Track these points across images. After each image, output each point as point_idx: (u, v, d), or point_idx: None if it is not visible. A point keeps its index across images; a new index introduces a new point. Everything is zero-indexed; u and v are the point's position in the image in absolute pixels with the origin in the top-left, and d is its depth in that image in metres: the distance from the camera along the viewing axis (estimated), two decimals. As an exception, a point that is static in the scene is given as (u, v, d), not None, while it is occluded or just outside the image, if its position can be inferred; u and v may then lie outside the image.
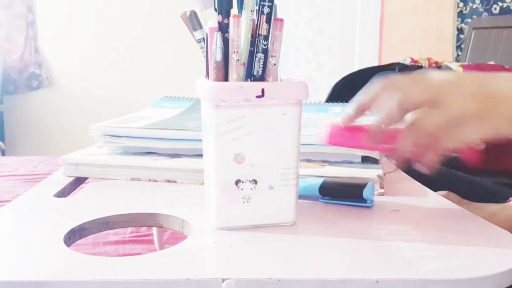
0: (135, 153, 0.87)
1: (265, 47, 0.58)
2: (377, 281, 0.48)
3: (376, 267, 0.51)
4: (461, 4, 3.05)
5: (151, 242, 1.33)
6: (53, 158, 2.27)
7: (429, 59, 2.52)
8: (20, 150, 3.82)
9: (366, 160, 0.82)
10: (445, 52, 3.06)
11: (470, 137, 0.62)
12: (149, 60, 3.83)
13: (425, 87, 0.63)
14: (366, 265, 0.52)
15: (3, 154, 3.54)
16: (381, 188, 0.75)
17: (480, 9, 2.98)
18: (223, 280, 0.48)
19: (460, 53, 3.00)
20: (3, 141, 3.65)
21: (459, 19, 3.07)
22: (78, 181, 0.85)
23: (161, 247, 1.16)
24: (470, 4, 3.02)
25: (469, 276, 0.49)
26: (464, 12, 3.04)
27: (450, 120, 0.61)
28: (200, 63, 0.85)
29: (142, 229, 1.40)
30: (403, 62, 2.30)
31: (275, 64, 0.59)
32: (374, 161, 0.82)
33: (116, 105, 3.57)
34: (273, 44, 0.59)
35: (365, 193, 0.68)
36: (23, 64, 3.76)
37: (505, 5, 2.89)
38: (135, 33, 3.82)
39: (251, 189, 0.60)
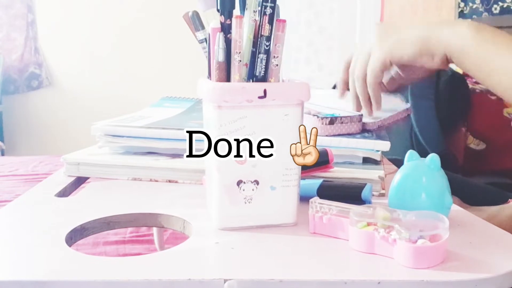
0: (136, 153, 0.87)
1: (267, 48, 0.58)
2: (379, 282, 0.48)
3: (378, 268, 0.51)
4: (462, 4, 3.05)
5: (151, 242, 1.33)
6: (53, 158, 2.26)
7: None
8: (20, 150, 3.82)
9: (367, 161, 0.82)
10: (445, 52, 3.05)
11: (373, 63, 0.84)
12: (150, 60, 3.83)
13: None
14: (367, 267, 0.52)
15: (3, 154, 3.54)
16: (382, 189, 0.75)
17: (480, 9, 2.98)
18: (225, 280, 0.48)
19: (460, 53, 3.00)
20: (3, 141, 3.65)
21: (460, 19, 3.07)
22: (79, 181, 0.85)
23: (161, 247, 1.16)
24: (470, 4, 3.02)
25: (470, 278, 0.49)
26: (464, 12, 3.04)
27: (359, 56, 0.87)
28: (201, 64, 0.85)
29: (142, 229, 1.40)
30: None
31: (277, 65, 0.59)
32: (375, 162, 0.82)
33: (116, 105, 3.56)
34: (276, 45, 0.59)
35: (364, 195, 0.68)
36: (23, 64, 3.76)
37: (505, 5, 2.89)
38: (135, 33, 3.82)
39: (253, 189, 0.60)
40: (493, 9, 2.94)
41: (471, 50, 0.77)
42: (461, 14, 3.05)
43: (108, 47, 3.84)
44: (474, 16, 2.99)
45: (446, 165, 0.63)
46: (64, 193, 0.79)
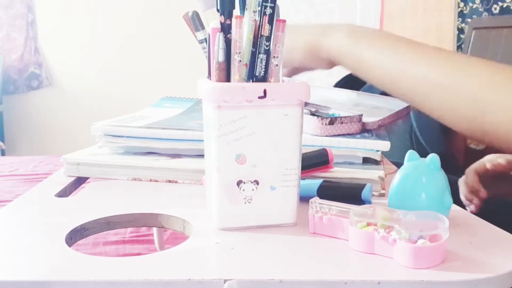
0: (136, 153, 0.87)
1: (267, 48, 0.58)
2: (379, 283, 0.48)
3: (378, 268, 0.51)
4: (461, 4, 3.05)
5: (151, 242, 1.33)
6: (53, 158, 2.27)
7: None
8: (20, 150, 3.82)
9: (367, 161, 0.82)
10: (445, 52, 3.05)
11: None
12: (150, 61, 3.83)
13: None
14: (368, 267, 0.52)
15: (3, 154, 3.54)
16: (382, 189, 0.75)
17: (480, 9, 2.98)
18: (225, 281, 0.49)
19: (460, 53, 3.00)
20: (3, 141, 3.64)
21: (459, 19, 3.07)
22: (79, 181, 0.85)
23: (161, 247, 1.16)
24: (470, 4, 3.02)
25: (470, 278, 0.49)
26: (464, 12, 3.04)
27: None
28: (200, 64, 0.85)
29: (142, 229, 1.40)
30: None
31: (277, 65, 0.59)
32: (375, 162, 0.82)
33: (116, 105, 3.56)
34: (275, 45, 0.59)
35: (364, 195, 0.68)
36: (23, 64, 3.76)
37: (505, 5, 2.89)
38: (135, 33, 3.82)
39: (253, 189, 0.60)
40: (493, 9, 2.94)
41: (346, 50, 0.81)
42: (461, 14, 3.05)
43: (108, 47, 3.84)
44: (474, 16, 2.99)
45: (446, 165, 0.63)
46: (64, 193, 0.79)
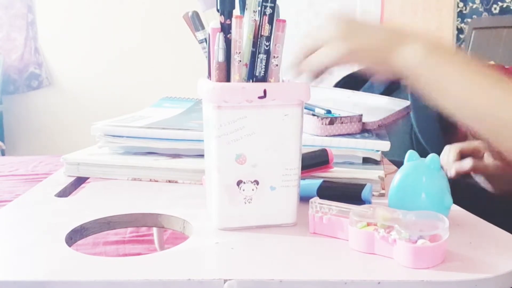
0: (136, 153, 0.87)
1: (267, 48, 0.58)
2: (379, 283, 0.48)
3: (378, 268, 0.51)
4: (461, 4, 3.05)
5: (151, 242, 1.33)
6: (53, 158, 2.26)
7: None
8: (20, 150, 3.82)
9: (367, 161, 0.82)
10: (445, 52, 3.05)
11: (331, 57, 0.74)
12: (150, 60, 3.83)
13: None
14: (367, 267, 0.52)
15: (3, 154, 3.54)
16: (382, 189, 0.75)
17: (480, 9, 2.98)
18: (225, 281, 0.48)
19: (460, 53, 3.00)
20: (3, 141, 3.64)
21: (459, 19, 3.07)
22: (79, 181, 0.85)
23: (161, 247, 1.16)
24: (470, 4, 3.02)
25: (470, 278, 0.49)
26: (464, 12, 3.04)
27: (312, 43, 0.76)
28: (200, 64, 0.85)
29: (142, 229, 1.40)
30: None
31: (277, 65, 0.59)
32: (375, 162, 0.82)
33: (116, 105, 3.56)
34: (275, 45, 0.59)
35: (364, 195, 0.67)
36: (23, 64, 3.75)
37: (505, 5, 2.89)
38: (135, 33, 3.82)
39: (253, 189, 0.60)
40: (492, 9, 2.94)
41: (419, 70, 0.76)
42: (461, 14, 3.05)
43: (108, 47, 3.83)
44: (474, 16, 2.99)
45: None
46: (64, 193, 0.79)
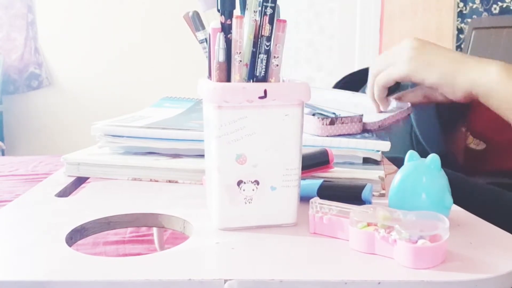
0: (136, 153, 0.87)
1: (267, 48, 0.58)
2: (379, 283, 0.48)
3: (378, 268, 0.51)
4: (461, 4, 3.05)
5: (151, 242, 1.33)
6: (53, 158, 2.27)
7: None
8: (20, 150, 3.82)
9: (367, 161, 0.82)
10: (445, 52, 3.05)
11: (393, 73, 0.86)
12: (149, 60, 3.83)
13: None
14: (368, 267, 0.52)
15: (3, 154, 3.54)
16: (383, 189, 0.75)
17: (480, 9, 2.98)
18: (225, 281, 0.48)
19: (460, 53, 3.00)
20: (3, 141, 3.65)
21: (459, 19, 3.07)
22: (79, 181, 0.85)
23: (161, 247, 1.16)
24: (470, 4, 3.02)
25: (470, 278, 0.49)
26: (464, 12, 3.04)
27: (377, 67, 0.90)
28: (201, 64, 0.85)
29: (142, 229, 1.40)
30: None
31: (277, 65, 0.59)
32: (375, 162, 0.82)
33: (116, 105, 3.57)
34: (276, 45, 0.59)
35: (364, 195, 0.67)
36: (23, 64, 3.76)
37: (505, 5, 2.89)
38: (135, 33, 3.82)
39: (253, 190, 0.60)
40: (492, 9, 2.94)
41: (499, 91, 0.77)
42: (461, 14, 3.06)
43: (108, 47, 3.84)
44: (474, 16, 2.99)
45: (446, 165, 0.63)
46: (64, 193, 0.79)
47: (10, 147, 3.79)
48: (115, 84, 3.84)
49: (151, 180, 0.82)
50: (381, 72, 0.89)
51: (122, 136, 0.86)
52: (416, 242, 0.51)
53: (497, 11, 2.92)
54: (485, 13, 2.96)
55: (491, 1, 2.93)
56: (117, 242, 1.35)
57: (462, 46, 2.93)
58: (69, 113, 3.85)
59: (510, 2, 2.85)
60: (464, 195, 1.00)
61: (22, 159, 2.32)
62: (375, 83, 0.91)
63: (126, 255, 1.26)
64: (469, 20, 2.98)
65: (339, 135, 0.85)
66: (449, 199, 0.60)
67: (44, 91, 3.84)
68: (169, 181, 0.81)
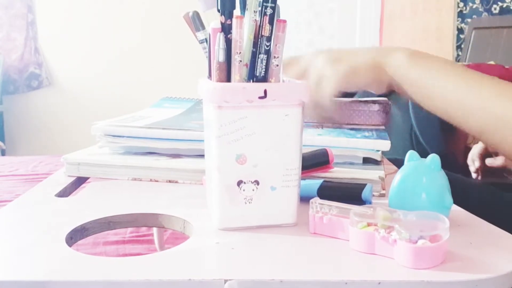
0: (136, 153, 0.87)
1: (267, 48, 0.58)
2: (379, 283, 0.48)
3: (378, 268, 0.51)
4: (461, 4, 3.05)
5: (151, 242, 1.33)
6: (53, 158, 2.27)
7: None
8: (20, 150, 3.82)
9: (367, 161, 0.82)
10: (445, 52, 3.06)
11: (328, 90, 0.80)
12: (150, 61, 3.83)
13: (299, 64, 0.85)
14: (368, 267, 0.52)
15: (3, 154, 3.54)
16: (383, 189, 0.75)
17: (480, 9, 2.98)
18: (226, 281, 0.49)
19: (460, 53, 3.01)
20: (3, 141, 3.65)
21: (459, 19, 3.07)
22: (79, 181, 0.85)
23: (161, 247, 1.16)
24: (470, 4, 3.02)
25: (471, 278, 0.49)
26: (464, 12, 3.04)
27: (312, 82, 0.81)
28: (200, 64, 0.85)
29: (142, 229, 1.40)
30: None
31: (277, 65, 0.59)
32: (376, 162, 0.82)
33: (116, 105, 3.57)
34: (276, 45, 0.59)
35: (364, 195, 0.67)
36: (23, 64, 3.76)
37: (505, 5, 2.89)
38: (135, 33, 3.82)
39: (253, 190, 0.60)
40: (492, 9, 2.94)
41: (406, 76, 0.79)
42: (461, 14, 3.06)
43: (108, 47, 3.84)
44: (474, 16, 2.99)
45: (446, 165, 0.63)
46: (64, 193, 0.79)
47: (10, 147, 3.79)
48: (115, 84, 3.84)
49: (151, 180, 0.82)
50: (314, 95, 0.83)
51: (122, 136, 0.86)
52: (416, 242, 0.51)
53: (497, 11, 2.93)
54: (485, 13, 2.96)
55: (491, 1, 2.93)
56: (117, 242, 1.35)
57: (462, 46, 2.93)
58: (69, 113, 3.85)
59: (510, 2, 2.86)
60: (463, 195, 1.00)
61: (22, 159, 2.32)
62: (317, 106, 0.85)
63: (126, 255, 1.26)
64: (469, 20, 2.98)
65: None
66: (449, 199, 0.60)
67: (44, 91, 3.84)
68: (169, 181, 0.81)
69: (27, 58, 3.76)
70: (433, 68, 0.78)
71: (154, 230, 1.18)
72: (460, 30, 3.06)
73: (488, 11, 2.95)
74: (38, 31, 3.80)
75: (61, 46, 3.81)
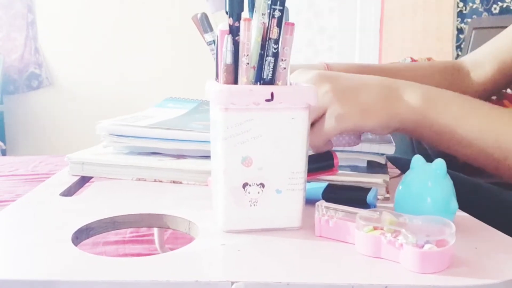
0: (140, 153, 0.87)
1: (275, 51, 0.58)
2: (386, 287, 0.48)
3: (385, 272, 0.51)
4: (461, 4, 3.06)
5: (151, 242, 1.33)
6: (53, 158, 2.26)
7: (429, 59, 2.52)
8: (20, 150, 3.82)
9: (371, 165, 0.82)
10: (445, 52, 3.07)
11: (330, 131, 0.71)
12: (149, 61, 3.83)
13: None
14: (374, 271, 0.52)
15: (3, 154, 3.54)
16: (387, 193, 0.75)
17: (480, 9, 2.99)
18: (232, 283, 0.49)
19: (460, 53, 3.01)
20: (3, 141, 3.64)
21: (459, 19, 3.08)
22: (83, 180, 0.85)
23: (162, 247, 1.16)
24: (470, 4, 3.02)
25: (476, 283, 0.49)
26: (464, 12, 3.05)
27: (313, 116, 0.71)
28: (204, 65, 0.85)
29: (142, 229, 1.39)
30: (403, 62, 2.30)
31: (285, 68, 0.59)
32: (380, 166, 0.82)
33: (117, 105, 3.57)
34: (284, 48, 0.59)
35: (369, 199, 0.67)
36: (23, 64, 3.76)
37: (505, 5, 2.89)
38: (135, 33, 3.82)
39: (258, 192, 0.60)
40: (492, 9, 2.94)
41: (429, 128, 0.74)
42: (461, 14, 3.06)
43: (109, 47, 3.83)
44: (474, 16, 2.99)
45: (446, 165, 0.63)
46: (69, 192, 0.79)
47: (10, 147, 3.78)
48: (115, 84, 3.84)
49: (155, 181, 0.82)
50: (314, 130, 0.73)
51: (127, 136, 0.86)
52: (423, 246, 0.51)
53: (497, 11, 2.93)
54: (485, 13, 2.97)
55: (491, 1, 2.94)
56: (117, 242, 1.35)
57: (462, 46, 2.93)
58: (69, 113, 3.85)
59: (510, 2, 2.86)
60: (465, 195, 1.00)
61: (22, 159, 2.31)
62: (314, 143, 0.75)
63: (126, 255, 1.26)
64: (469, 20, 2.99)
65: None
66: (455, 204, 0.60)
67: (44, 91, 3.84)
68: (174, 182, 0.81)
69: (27, 58, 3.76)
70: (456, 113, 0.73)
71: (155, 230, 1.18)
72: (460, 30, 3.07)
73: (488, 11, 2.95)
74: (38, 31, 3.79)
75: (61, 46, 3.81)
